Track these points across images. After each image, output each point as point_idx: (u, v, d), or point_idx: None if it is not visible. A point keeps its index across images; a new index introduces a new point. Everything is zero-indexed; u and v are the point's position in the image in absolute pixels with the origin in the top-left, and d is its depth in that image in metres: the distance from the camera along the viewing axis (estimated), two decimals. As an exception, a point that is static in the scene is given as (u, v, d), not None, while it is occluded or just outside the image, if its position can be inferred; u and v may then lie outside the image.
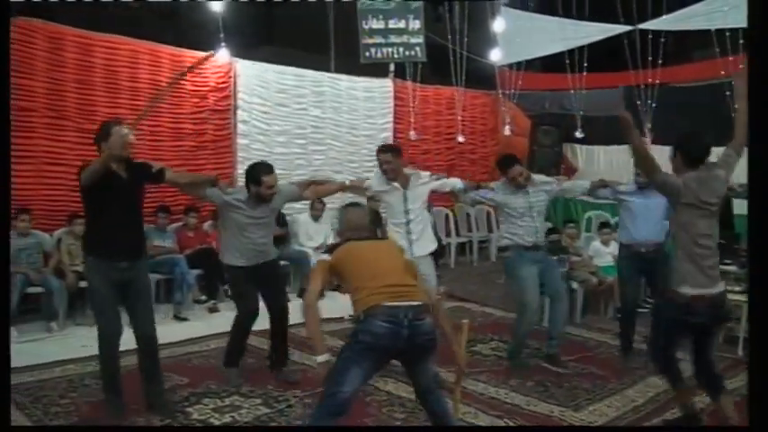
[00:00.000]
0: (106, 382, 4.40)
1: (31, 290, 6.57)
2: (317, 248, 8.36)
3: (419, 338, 3.33)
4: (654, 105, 9.45)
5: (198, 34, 9.13)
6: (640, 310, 6.19)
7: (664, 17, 9.43)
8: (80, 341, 6.05)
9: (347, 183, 6.17)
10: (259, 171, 4.92)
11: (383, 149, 5.47)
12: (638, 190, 5.67)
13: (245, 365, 5.42)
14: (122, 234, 4.25)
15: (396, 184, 5.35)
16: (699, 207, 3.82)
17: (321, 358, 3.41)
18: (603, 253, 7.51)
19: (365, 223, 3.91)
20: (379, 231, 5.18)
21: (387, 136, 10.33)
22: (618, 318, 6.27)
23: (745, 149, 3.62)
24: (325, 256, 3.69)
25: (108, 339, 4.30)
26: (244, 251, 5.02)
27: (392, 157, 5.33)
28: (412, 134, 10.48)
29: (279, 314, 5.15)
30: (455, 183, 5.83)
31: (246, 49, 9.29)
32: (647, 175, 4.18)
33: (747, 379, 3.21)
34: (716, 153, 3.94)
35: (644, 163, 4.00)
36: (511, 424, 4.35)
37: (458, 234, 10.75)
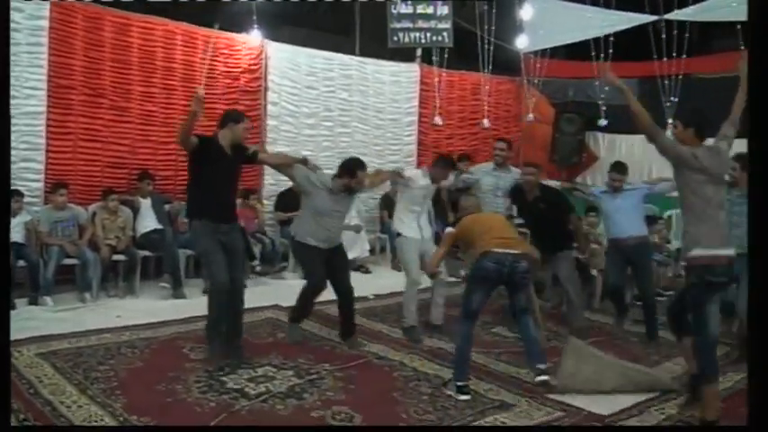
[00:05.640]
0: (210, 324, 5.06)
1: (67, 261, 6.80)
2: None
3: (516, 276, 4.75)
4: (676, 98, 9.40)
5: (231, 16, 9.26)
6: (659, 298, 6.40)
7: (689, 8, 9.40)
8: (114, 311, 6.33)
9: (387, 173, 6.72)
10: (356, 165, 5.53)
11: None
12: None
13: (278, 340, 5.66)
14: (223, 201, 5.06)
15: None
16: (708, 174, 4.03)
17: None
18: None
19: (475, 204, 5.66)
20: None
21: (412, 120, 10.49)
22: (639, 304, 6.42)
23: (745, 150, 3.66)
24: (451, 229, 5.21)
25: (218, 287, 4.97)
26: (318, 235, 5.49)
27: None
28: (437, 119, 10.57)
29: (345, 293, 5.67)
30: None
31: (276, 31, 9.41)
32: (651, 139, 4.21)
33: (747, 379, 3.26)
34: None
35: (646, 127, 4.17)
36: (533, 403, 4.48)
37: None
